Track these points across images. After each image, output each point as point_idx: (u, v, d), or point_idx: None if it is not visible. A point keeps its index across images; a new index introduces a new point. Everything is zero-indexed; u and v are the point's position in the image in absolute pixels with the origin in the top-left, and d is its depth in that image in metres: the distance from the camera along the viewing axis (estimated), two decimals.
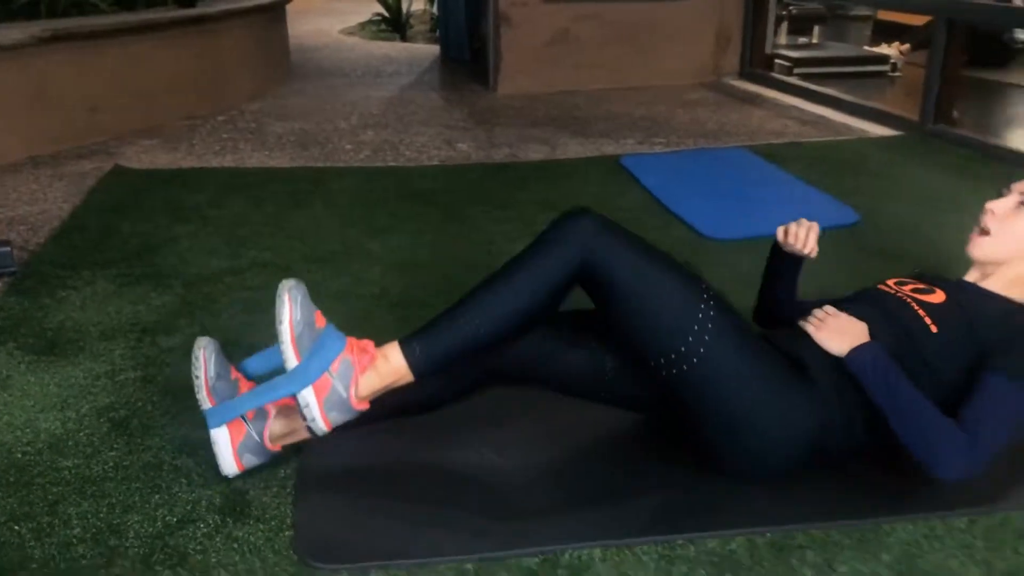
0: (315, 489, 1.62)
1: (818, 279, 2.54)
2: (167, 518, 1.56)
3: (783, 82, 5.41)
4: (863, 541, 1.50)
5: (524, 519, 1.54)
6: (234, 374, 1.68)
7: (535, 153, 4.04)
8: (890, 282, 1.75)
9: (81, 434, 1.82)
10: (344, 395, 1.50)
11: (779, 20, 6.37)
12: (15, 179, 3.58)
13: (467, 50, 6.40)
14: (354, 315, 2.34)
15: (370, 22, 8.65)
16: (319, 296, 2.47)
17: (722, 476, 1.60)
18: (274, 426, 1.63)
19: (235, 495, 1.62)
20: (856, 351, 1.54)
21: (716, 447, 1.59)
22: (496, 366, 1.65)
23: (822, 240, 1.75)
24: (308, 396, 1.48)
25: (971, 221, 1.69)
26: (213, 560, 1.46)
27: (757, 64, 5.69)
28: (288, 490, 1.63)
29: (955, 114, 4.20)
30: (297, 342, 1.49)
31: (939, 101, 4.12)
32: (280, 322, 1.50)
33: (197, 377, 1.63)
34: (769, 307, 1.96)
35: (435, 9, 7.89)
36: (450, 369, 1.59)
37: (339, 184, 3.58)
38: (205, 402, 1.62)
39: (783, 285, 1.92)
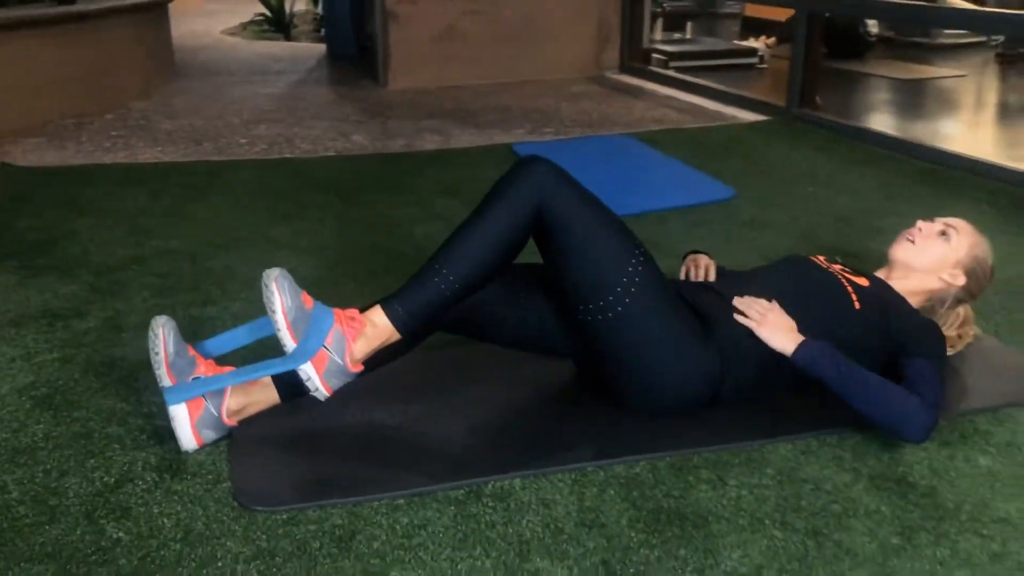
0: (248, 444, 1.71)
1: (705, 246, 2.77)
2: (105, 479, 1.62)
3: (660, 75, 5.70)
4: (750, 460, 1.69)
5: (450, 458, 1.68)
6: (191, 351, 1.73)
7: (430, 143, 4.17)
8: (820, 257, 1.97)
9: (3, 411, 1.85)
10: (341, 363, 1.60)
11: (654, 17, 6.69)
12: None
13: (354, 47, 6.46)
14: (263, 304, 2.41)
15: (252, 22, 8.58)
16: (230, 279, 2.56)
17: (629, 412, 1.78)
18: (231, 401, 1.70)
19: (170, 455, 1.69)
20: (802, 348, 1.71)
21: (627, 386, 1.76)
22: (446, 318, 1.76)
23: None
24: (309, 370, 1.58)
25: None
26: (156, 511, 1.53)
27: (636, 58, 5.97)
28: (221, 449, 1.71)
29: (817, 100, 4.54)
30: (292, 327, 1.58)
31: (803, 88, 4.45)
32: (273, 311, 1.58)
33: (156, 354, 1.67)
34: None
35: (319, 9, 7.90)
36: (431, 321, 1.70)
37: (236, 176, 3.62)
38: (165, 379, 1.67)
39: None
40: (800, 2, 4.45)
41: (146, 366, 2.00)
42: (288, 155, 3.97)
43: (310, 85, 5.68)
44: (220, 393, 1.69)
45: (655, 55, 6.00)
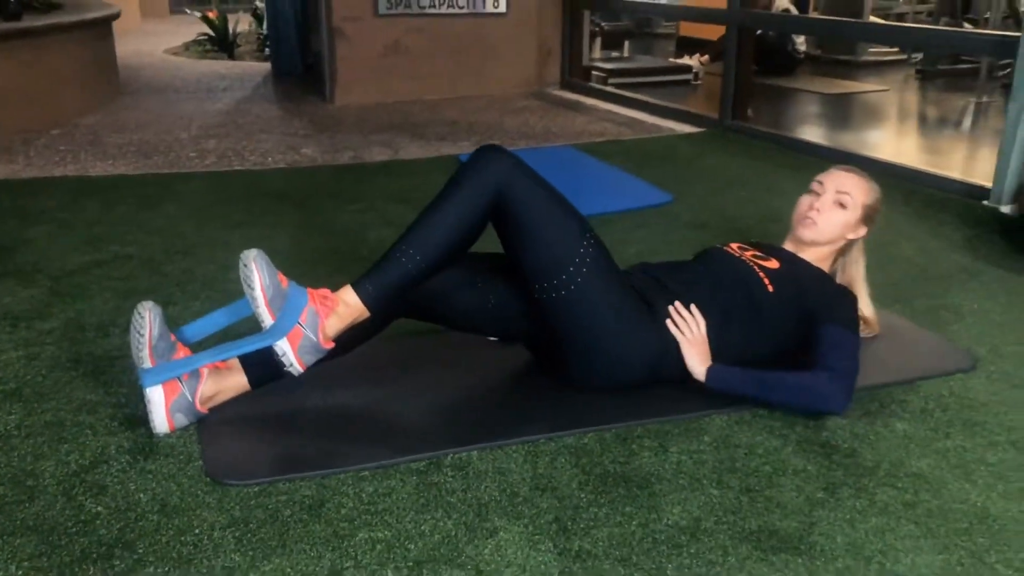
0: (219, 425, 1.80)
1: (646, 245, 2.93)
2: (80, 461, 1.69)
3: (600, 90, 5.89)
4: (689, 430, 1.83)
5: (412, 433, 1.79)
6: (172, 337, 1.80)
7: (379, 155, 4.27)
8: (733, 246, 2.12)
9: None
10: (314, 339, 1.71)
11: (593, 36, 6.90)
12: None
13: (300, 64, 6.54)
14: (226, 296, 2.48)
15: (195, 42, 8.60)
16: (190, 281, 2.63)
17: (577, 388, 1.91)
18: (205, 387, 1.78)
19: (142, 439, 1.76)
20: (710, 374, 1.88)
21: (576, 363, 1.90)
22: (407, 302, 1.87)
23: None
24: (284, 346, 1.69)
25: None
26: (132, 487, 1.61)
27: (576, 75, 6.16)
28: (191, 432, 1.79)
29: (749, 112, 4.76)
30: (271, 303, 1.68)
31: (735, 101, 4.66)
32: (252, 288, 1.67)
33: (141, 335, 1.73)
34: None
35: (263, 28, 7.96)
36: (398, 299, 1.81)
37: (188, 187, 3.68)
38: (146, 361, 1.73)
39: None
40: (730, 20, 4.67)
41: (112, 361, 2.10)
42: (239, 167, 4.04)
43: (257, 101, 5.74)
44: (196, 378, 1.77)
45: (595, 72, 6.20)
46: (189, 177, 3.85)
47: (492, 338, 2.05)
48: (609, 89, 5.88)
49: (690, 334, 1.91)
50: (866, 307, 2.15)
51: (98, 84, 5.50)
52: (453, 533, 1.50)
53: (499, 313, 1.93)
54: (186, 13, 10.04)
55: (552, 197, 1.85)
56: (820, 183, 2.12)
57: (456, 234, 1.80)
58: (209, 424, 1.81)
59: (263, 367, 1.80)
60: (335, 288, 1.82)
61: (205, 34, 8.36)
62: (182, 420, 1.78)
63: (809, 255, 2.10)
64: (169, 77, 6.71)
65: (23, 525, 1.51)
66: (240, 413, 1.84)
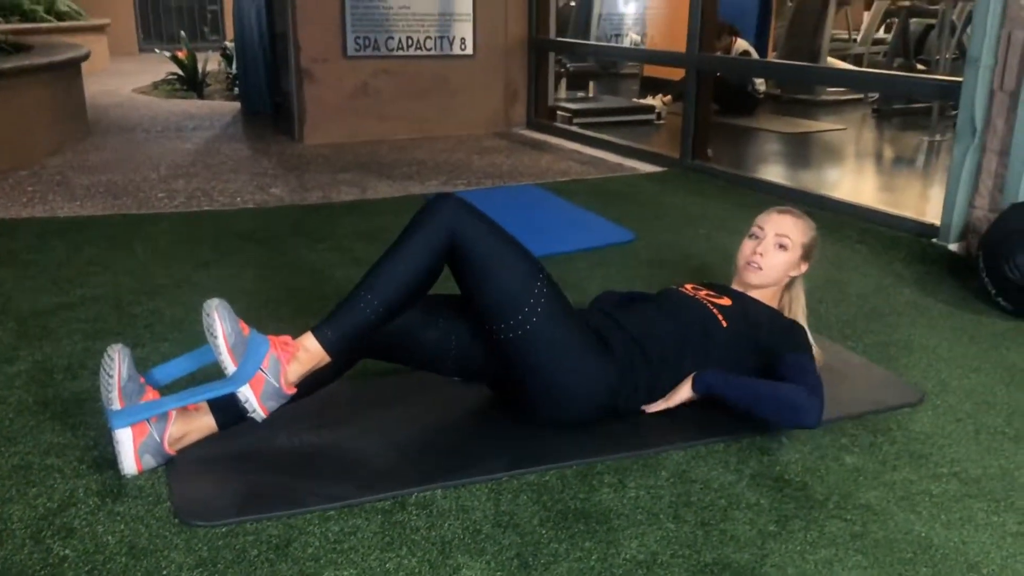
0: (187, 466, 1.82)
1: (608, 283, 3.00)
2: (48, 504, 1.71)
3: (565, 130, 6.01)
4: (647, 465, 1.89)
5: (376, 473, 1.83)
6: (140, 379, 1.83)
7: (347, 195, 4.33)
8: (688, 286, 2.21)
9: None
10: (276, 385, 1.75)
11: (559, 76, 7.04)
12: None
13: (269, 104, 6.60)
14: (194, 337, 2.51)
15: (164, 81, 8.64)
16: (158, 322, 2.66)
17: (537, 425, 1.97)
18: (173, 429, 1.82)
19: (111, 481, 1.79)
20: (696, 382, 1.98)
21: (534, 400, 1.95)
22: (369, 345, 1.92)
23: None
24: (247, 392, 1.73)
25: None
26: (100, 530, 1.63)
27: (542, 115, 6.27)
28: (159, 474, 1.82)
29: (709, 152, 4.88)
30: (232, 351, 1.72)
31: (695, 141, 4.79)
32: (215, 336, 1.72)
33: (110, 377, 1.76)
34: None
35: (232, 68, 8.02)
36: (359, 344, 1.86)
37: (157, 228, 3.71)
38: (115, 402, 1.76)
39: None
40: (689, 63, 4.80)
41: (81, 404, 2.12)
42: (207, 207, 4.08)
43: (226, 141, 5.78)
44: (165, 420, 1.81)
45: (560, 112, 6.33)
46: (158, 218, 3.88)
47: (454, 378, 2.11)
48: (574, 129, 6.00)
49: (667, 402, 2.02)
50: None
51: (66, 125, 5.53)
52: (417, 571, 1.54)
53: (461, 353, 1.98)
54: (155, 52, 10.08)
55: (504, 240, 1.92)
56: (760, 227, 2.21)
57: (413, 279, 1.86)
58: (177, 465, 1.84)
59: (230, 410, 1.83)
60: (298, 333, 1.86)
61: (174, 73, 8.41)
62: (150, 462, 1.81)
63: (756, 294, 2.19)
64: (138, 117, 6.74)
65: None
66: (208, 454, 1.87)
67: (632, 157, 5.21)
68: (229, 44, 8.59)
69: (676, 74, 6.56)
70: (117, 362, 1.77)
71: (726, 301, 2.11)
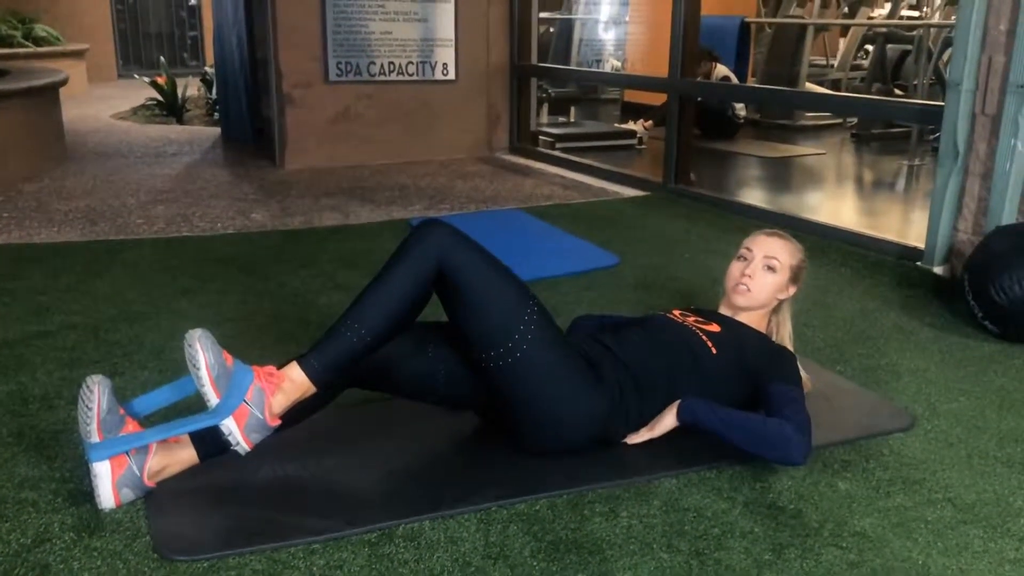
0: (166, 498, 1.77)
1: (595, 307, 2.98)
2: (21, 540, 1.66)
3: (548, 155, 6.01)
4: (639, 493, 1.85)
5: (362, 504, 1.78)
6: (120, 410, 1.78)
7: (329, 220, 4.30)
8: (676, 312, 2.18)
9: None
10: (261, 417, 1.71)
11: (541, 101, 7.05)
12: None
13: (250, 130, 6.56)
14: (174, 366, 2.47)
15: (143, 107, 8.58)
16: (137, 351, 2.61)
17: (526, 453, 1.93)
18: (153, 461, 1.77)
19: (87, 515, 1.73)
20: (681, 410, 1.95)
21: (523, 429, 1.92)
22: (355, 374, 1.88)
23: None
24: (230, 425, 1.68)
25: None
26: (76, 567, 1.58)
27: (524, 140, 6.28)
28: (138, 507, 1.77)
29: (692, 176, 4.90)
30: (216, 383, 1.68)
31: (677, 165, 4.80)
32: (197, 368, 1.68)
33: (89, 409, 1.71)
34: None
35: (212, 93, 7.99)
36: (345, 374, 1.82)
37: (137, 253, 3.66)
38: (94, 435, 1.71)
39: None
40: (671, 88, 4.82)
41: (56, 435, 2.06)
42: (187, 233, 4.03)
43: (206, 166, 5.74)
44: (144, 452, 1.76)
45: (542, 137, 6.33)
46: (137, 243, 3.82)
47: (442, 406, 2.07)
48: (556, 153, 6.01)
49: (651, 432, 1.98)
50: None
51: (44, 150, 5.47)
52: None
53: (448, 380, 1.95)
54: (134, 78, 10.03)
55: (493, 267, 1.89)
56: (748, 249, 2.20)
57: (400, 307, 1.82)
58: (156, 498, 1.78)
59: (211, 441, 1.78)
60: (282, 360, 1.82)
61: (153, 99, 8.36)
62: (129, 495, 1.76)
63: (744, 318, 2.17)
64: (117, 142, 6.68)
65: None
66: (188, 486, 1.82)
67: (615, 181, 5.21)
68: (209, 69, 8.57)
69: (656, 99, 6.60)
70: (96, 393, 1.73)
71: (714, 327, 2.09)
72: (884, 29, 7.84)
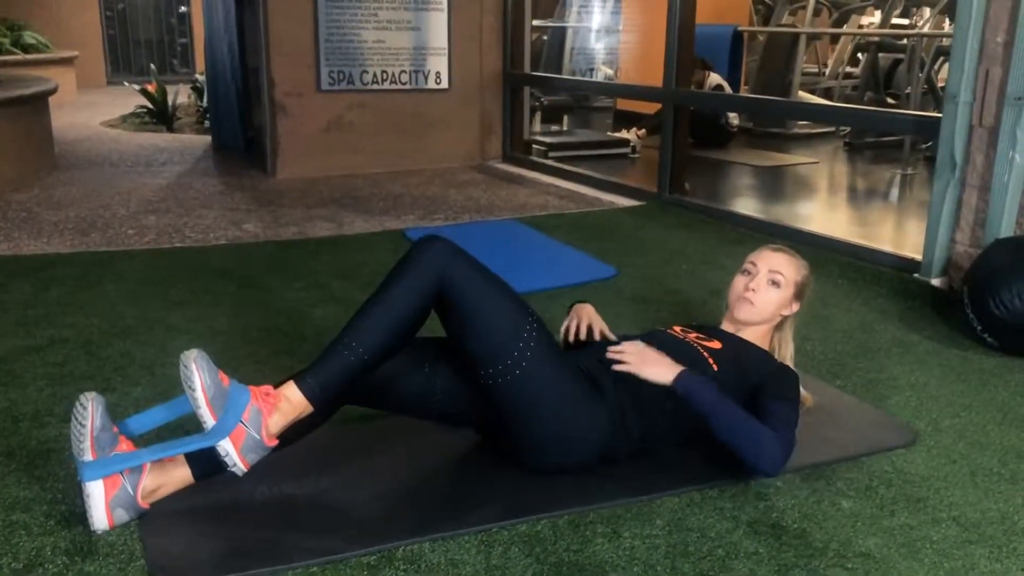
0: (161, 520, 1.74)
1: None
2: (13, 565, 1.62)
3: (541, 164, 5.99)
4: (640, 513, 1.83)
5: (361, 525, 1.75)
6: (114, 428, 1.75)
7: (322, 230, 4.26)
8: (676, 328, 2.16)
9: None
10: (258, 437, 1.68)
11: (533, 110, 7.04)
12: None
13: (241, 138, 6.52)
14: (166, 382, 2.43)
15: (133, 114, 8.53)
16: (129, 365, 2.57)
17: (527, 471, 1.90)
18: (147, 481, 1.73)
19: (80, 539, 1.70)
20: (682, 376, 1.88)
21: (523, 447, 1.89)
22: (353, 391, 1.85)
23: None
24: (227, 446, 1.66)
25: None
26: None
27: (517, 149, 6.26)
28: (132, 529, 1.73)
29: (686, 185, 4.88)
30: (212, 404, 1.65)
31: (672, 175, 4.78)
32: (193, 389, 1.65)
33: (83, 427, 1.68)
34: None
35: (203, 101, 7.94)
36: (342, 392, 1.79)
37: (127, 265, 3.61)
38: (87, 453, 1.67)
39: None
40: (666, 98, 4.81)
41: (48, 454, 2.03)
42: (179, 244, 3.99)
43: (197, 175, 5.69)
44: (138, 472, 1.72)
45: (536, 146, 6.31)
46: (128, 255, 3.78)
47: (440, 422, 2.04)
48: (550, 162, 5.99)
49: (633, 359, 1.91)
50: None
51: (33, 159, 5.42)
52: None
53: (447, 397, 1.92)
54: (124, 85, 9.97)
55: (493, 283, 1.87)
56: (753, 263, 2.18)
57: (399, 325, 1.80)
58: (151, 519, 1.75)
59: (207, 461, 1.75)
60: (276, 375, 1.80)
61: (143, 106, 8.31)
62: (123, 516, 1.72)
63: (747, 334, 2.15)
64: (107, 151, 6.63)
65: None
66: (183, 506, 1.79)
67: (609, 191, 5.20)
68: (200, 76, 8.52)
69: (649, 108, 6.59)
70: (90, 411, 1.70)
71: (716, 344, 2.07)
72: (876, 39, 7.86)
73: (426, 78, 5.89)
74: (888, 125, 4.74)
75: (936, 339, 2.85)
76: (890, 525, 1.80)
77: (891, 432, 2.20)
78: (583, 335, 2.16)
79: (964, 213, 3.17)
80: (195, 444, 1.68)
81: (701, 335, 2.11)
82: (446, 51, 5.91)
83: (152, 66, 10.87)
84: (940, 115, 3.22)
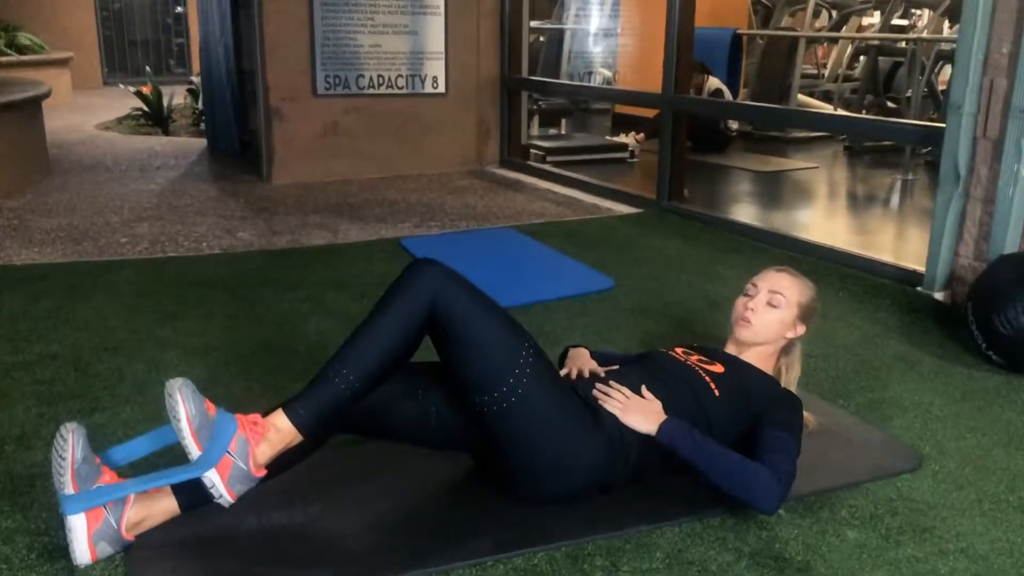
0: (146, 552, 1.69)
1: (591, 333, 2.91)
2: None
3: (539, 169, 5.94)
4: (640, 545, 1.78)
5: (350, 557, 1.70)
6: (96, 460, 1.71)
7: (317, 239, 4.21)
8: (678, 350, 2.11)
9: None
10: (245, 468, 1.63)
11: (531, 113, 6.99)
12: None
13: (237, 142, 6.47)
14: (156, 401, 2.37)
15: (128, 117, 8.47)
16: (119, 383, 2.52)
17: (523, 501, 1.85)
18: (132, 513, 1.69)
19: (63, 574, 1.65)
20: (664, 426, 1.84)
21: (519, 475, 1.84)
22: (344, 419, 1.80)
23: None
24: (213, 477, 1.60)
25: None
26: None
27: (515, 153, 6.21)
28: (116, 563, 1.68)
29: (685, 192, 4.83)
30: (197, 434, 1.60)
31: (671, 182, 4.73)
32: (178, 420, 1.60)
33: (63, 459, 1.63)
34: None
35: (199, 103, 7.89)
36: (333, 421, 1.75)
37: (119, 276, 3.56)
38: (68, 486, 1.63)
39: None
40: (664, 105, 4.76)
41: (33, 480, 1.98)
42: (172, 253, 3.94)
43: (192, 181, 5.64)
44: (122, 503, 1.68)
45: (533, 150, 6.26)
46: (120, 265, 3.73)
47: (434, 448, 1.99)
48: (547, 168, 5.94)
49: (620, 403, 1.88)
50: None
51: (26, 164, 5.36)
52: None
53: (441, 425, 1.87)
54: (119, 87, 9.91)
55: (488, 308, 1.82)
56: (754, 285, 2.14)
57: (391, 351, 1.76)
58: (136, 552, 1.70)
59: (194, 491, 1.70)
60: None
61: (139, 108, 8.25)
62: (106, 549, 1.67)
63: (751, 357, 2.10)
64: (101, 154, 6.57)
65: None
66: (169, 538, 1.74)
67: (608, 197, 5.15)
68: (196, 79, 8.46)
69: (648, 111, 6.54)
70: (71, 443, 1.65)
71: (718, 368, 2.02)
72: (876, 42, 7.82)
73: (423, 82, 5.83)
74: (891, 135, 4.69)
75: (940, 356, 2.80)
76: (896, 557, 1.76)
77: (895, 455, 2.16)
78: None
79: (968, 226, 3.12)
80: (180, 475, 1.64)
81: (703, 358, 2.07)
82: (443, 55, 5.86)
83: (148, 68, 10.81)
84: (943, 125, 3.18)
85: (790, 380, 2.13)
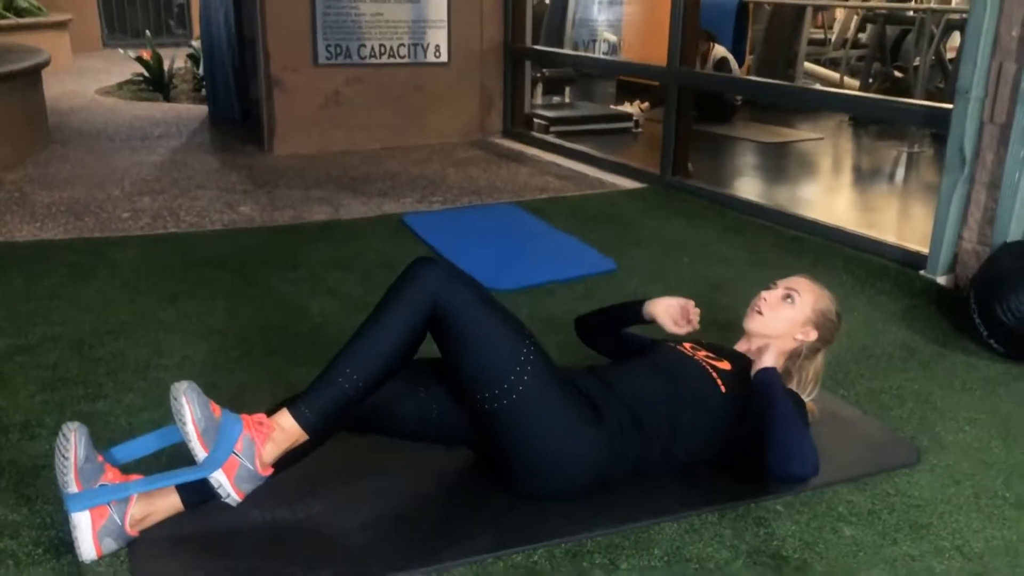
0: (151, 549, 1.71)
1: None
2: None
3: (542, 140, 5.90)
4: (638, 541, 1.80)
5: (353, 554, 1.73)
6: (99, 458, 1.72)
7: (319, 214, 4.20)
8: (687, 345, 2.11)
9: None
10: (251, 467, 1.65)
11: (535, 81, 6.92)
12: None
13: (237, 111, 6.42)
14: (159, 386, 2.39)
15: (129, 82, 8.40)
16: (122, 368, 2.54)
17: (524, 497, 1.87)
18: (136, 510, 1.70)
19: (69, 568, 1.67)
20: (761, 371, 1.93)
21: (520, 472, 1.86)
22: (347, 418, 1.82)
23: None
24: (220, 477, 1.62)
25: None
26: None
27: (518, 123, 6.16)
28: (122, 559, 1.70)
29: (689, 167, 4.80)
30: (203, 436, 1.62)
31: (675, 156, 4.70)
32: (184, 423, 1.61)
33: (66, 459, 1.65)
34: (594, 330, 2.34)
35: (199, 69, 7.82)
36: (337, 420, 1.77)
37: (122, 254, 3.56)
38: (72, 485, 1.65)
39: (618, 328, 2.29)
40: (670, 78, 4.72)
41: (38, 471, 1.99)
42: (174, 229, 3.93)
43: (193, 151, 5.61)
44: (125, 500, 1.70)
45: (537, 120, 6.21)
46: (122, 242, 3.72)
47: (436, 443, 2.00)
48: (551, 139, 5.89)
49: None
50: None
51: (26, 135, 5.33)
52: None
53: (442, 421, 1.89)
54: (119, 51, 9.80)
55: (489, 306, 1.83)
56: (775, 283, 2.15)
57: (393, 352, 1.77)
58: (140, 548, 1.72)
59: (198, 489, 1.72)
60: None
61: (139, 74, 8.18)
62: (111, 545, 1.69)
63: (758, 354, 2.09)
64: (102, 122, 6.53)
65: None
66: (173, 534, 1.76)
67: (611, 171, 5.12)
68: (196, 44, 8.37)
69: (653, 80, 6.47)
70: (73, 442, 1.67)
71: (726, 365, 2.02)
72: (884, 10, 7.71)
73: (425, 52, 5.77)
74: (899, 115, 4.63)
75: (940, 343, 2.80)
76: (892, 555, 1.77)
77: (894, 450, 2.17)
78: (695, 320, 2.17)
79: (972, 210, 3.10)
80: (187, 476, 1.65)
81: (711, 354, 2.07)
82: (446, 24, 5.79)
83: (148, 32, 10.69)
84: (951, 107, 3.15)
85: (797, 384, 2.12)
